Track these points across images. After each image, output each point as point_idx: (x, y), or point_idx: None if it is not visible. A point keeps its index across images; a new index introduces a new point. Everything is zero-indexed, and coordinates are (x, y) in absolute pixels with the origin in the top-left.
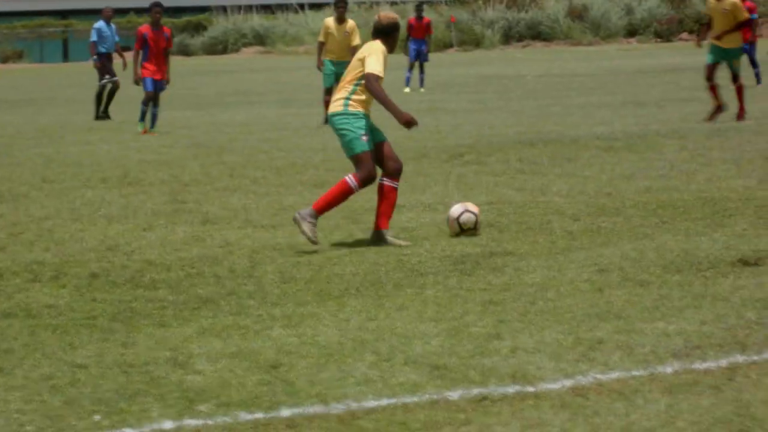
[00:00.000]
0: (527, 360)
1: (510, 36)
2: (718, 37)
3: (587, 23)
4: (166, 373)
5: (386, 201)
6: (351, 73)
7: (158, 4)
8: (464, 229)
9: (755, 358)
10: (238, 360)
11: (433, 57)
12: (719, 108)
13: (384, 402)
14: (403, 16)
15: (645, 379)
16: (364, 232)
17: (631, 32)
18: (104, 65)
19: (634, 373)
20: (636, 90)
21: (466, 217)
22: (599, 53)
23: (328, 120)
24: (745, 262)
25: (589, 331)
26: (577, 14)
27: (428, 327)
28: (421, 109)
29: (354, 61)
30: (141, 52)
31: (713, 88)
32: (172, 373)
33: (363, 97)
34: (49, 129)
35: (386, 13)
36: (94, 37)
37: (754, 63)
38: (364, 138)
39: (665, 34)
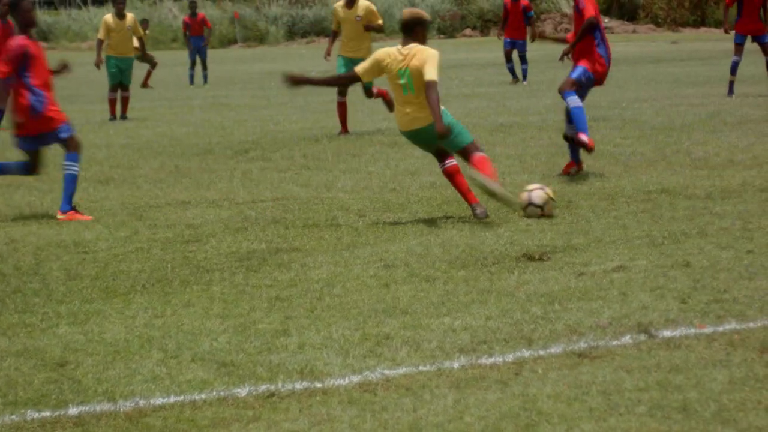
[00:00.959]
0: (315, 356)
1: (294, 32)
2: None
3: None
4: None
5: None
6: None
7: None
8: (540, 206)
9: (541, 352)
10: (24, 358)
11: (218, 53)
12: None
13: (172, 399)
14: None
15: (432, 374)
16: (150, 228)
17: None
18: None
19: (422, 368)
20: None
21: (537, 195)
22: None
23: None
24: (529, 258)
25: (376, 326)
26: None
27: (215, 324)
28: (206, 105)
29: (417, 71)
30: None
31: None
32: None
33: None
34: None
35: (410, 9)
36: None
37: (523, 59)
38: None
39: (448, 30)
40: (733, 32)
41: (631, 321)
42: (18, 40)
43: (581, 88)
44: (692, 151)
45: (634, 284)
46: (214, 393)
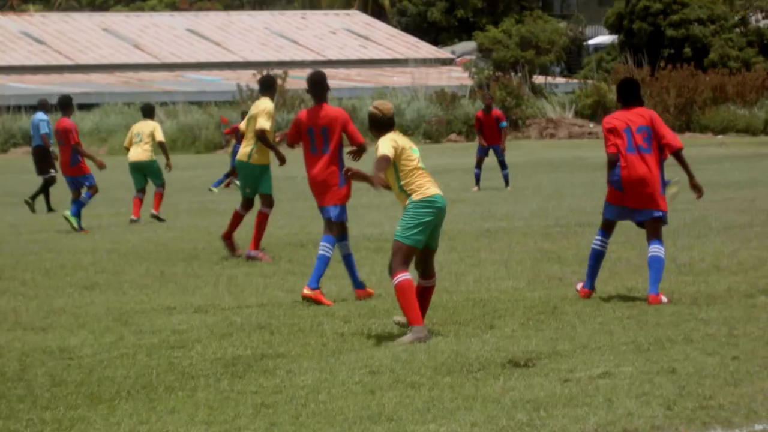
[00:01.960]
0: None
1: None
2: None
3: (357, 123)
4: None
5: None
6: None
7: None
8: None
9: None
10: None
11: (204, 158)
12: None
13: None
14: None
15: None
16: (135, 334)
17: (401, 133)
18: None
19: None
20: None
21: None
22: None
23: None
24: (515, 364)
25: None
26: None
27: (200, 430)
28: (192, 209)
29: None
30: None
31: None
32: None
33: None
34: None
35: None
36: None
37: (503, 165)
38: None
39: (434, 134)
40: None
41: (616, 428)
42: None
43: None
44: (677, 257)
45: (619, 390)
46: None
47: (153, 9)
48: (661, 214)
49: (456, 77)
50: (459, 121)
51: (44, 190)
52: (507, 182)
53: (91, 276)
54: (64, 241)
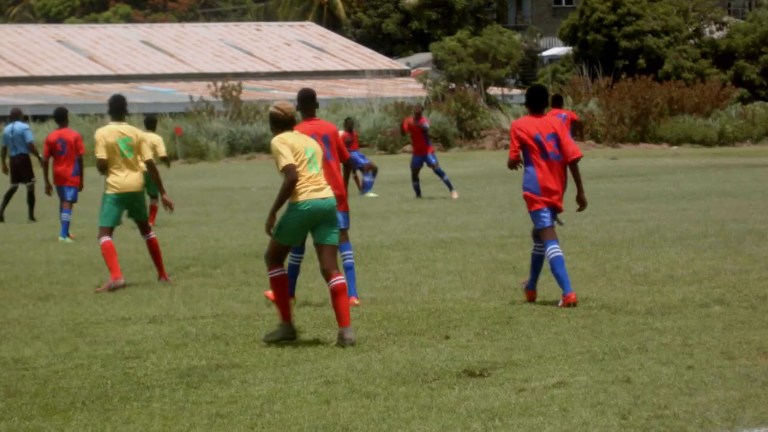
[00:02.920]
0: None
1: (235, 148)
2: None
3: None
4: None
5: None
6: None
7: None
8: None
9: None
10: None
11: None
12: None
13: None
14: None
15: None
16: (90, 344)
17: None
18: None
19: None
20: (360, 202)
21: None
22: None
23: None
24: (470, 374)
25: None
26: None
27: None
28: None
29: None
30: None
31: None
32: None
33: None
34: None
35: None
36: None
37: (440, 173)
38: None
39: (389, 146)
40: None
41: None
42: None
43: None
44: (632, 267)
45: (574, 400)
46: None
47: (107, 21)
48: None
49: (411, 88)
50: None
51: (9, 197)
52: (450, 187)
53: (46, 287)
54: (18, 252)
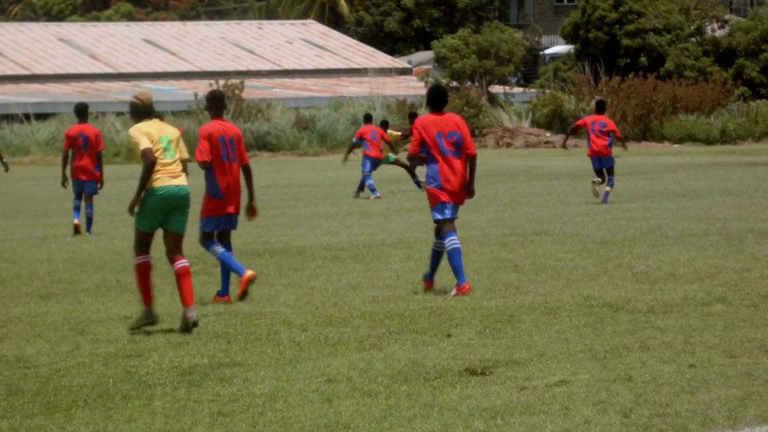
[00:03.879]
0: None
1: None
2: None
3: (314, 134)
4: None
5: None
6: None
7: None
8: None
9: None
10: None
11: None
12: None
13: None
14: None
15: None
16: (92, 343)
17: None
18: None
19: None
20: (361, 201)
21: None
22: (325, 164)
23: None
24: (472, 372)
25: None
26: (304, 125)
27: None
28: None
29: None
30: None
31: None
32: None
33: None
34: None
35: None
36: None
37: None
38: None
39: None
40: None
41: None
42: None
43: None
44: (634, 265)
45: (576, 398)
46: None
47: (109, 19)
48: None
49: (413, 86)
50: None
51: None
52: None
53: (48, 285)
54: (20, 250)
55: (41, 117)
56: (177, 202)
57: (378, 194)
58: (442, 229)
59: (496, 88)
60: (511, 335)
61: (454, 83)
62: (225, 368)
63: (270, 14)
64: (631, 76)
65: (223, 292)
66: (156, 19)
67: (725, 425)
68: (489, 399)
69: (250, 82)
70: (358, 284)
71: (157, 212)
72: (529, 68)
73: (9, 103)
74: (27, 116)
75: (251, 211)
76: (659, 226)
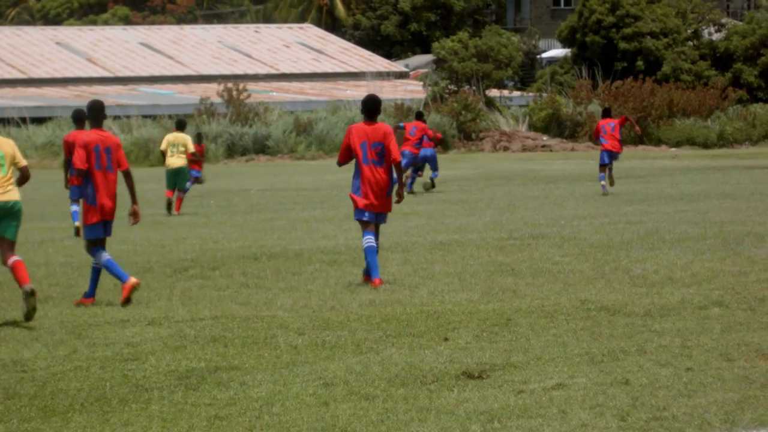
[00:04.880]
0: None
1: (234, 150)
2: None
3: (312, 138)
4: None
5: None
6: None
7: None
8: None
9: None
10: None
11: (157, 171)
12: None
13: None
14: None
15: None
16: (89, 347)
17: None
18: None
19: None
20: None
21: None
22: (323, 167)
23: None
24: (469, 375)
25: None
26: (302, 129)
27: None
28: (145, 223)
29: None
30: None
31: None
32: None
33: None
34: None
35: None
36: None
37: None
38: None
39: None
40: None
41: None
42: None
43: None
44: (631, 269)
45: (573, 402)
46: None
47: (106, 23)
48: (387, 213)
49: (410, 90)
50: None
51: None
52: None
53: (45, 289)
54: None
55: (38, 121)
56: (5, 212)
57: None
58: (362, 228)
59: (494, 92)
60: (508, 339)
61: (453, 87)
62: (222, 372)
63: (267, 18)
64: (629, 80)
65: (89, 294)
66: (153, 23)
67: (722, 429)
68: (486, 402)
69: (247, 86)
70: (355, 288)
71: None
72: (526, 72)
73: (5, 107)
74: (24, 120)
75: (133, 215)
76: (656, 230)
